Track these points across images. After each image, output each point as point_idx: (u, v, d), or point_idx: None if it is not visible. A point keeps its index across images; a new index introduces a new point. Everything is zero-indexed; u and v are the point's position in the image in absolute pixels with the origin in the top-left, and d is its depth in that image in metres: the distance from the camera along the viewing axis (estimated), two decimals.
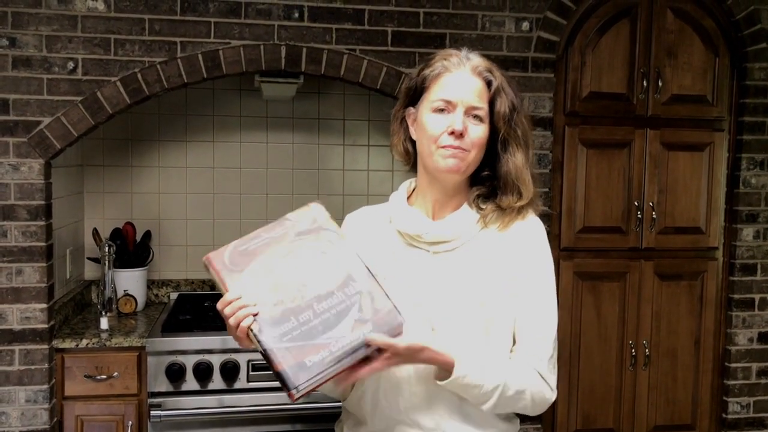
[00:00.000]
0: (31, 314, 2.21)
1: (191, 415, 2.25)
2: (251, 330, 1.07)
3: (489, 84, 1.27)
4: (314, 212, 1.20)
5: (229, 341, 2.28)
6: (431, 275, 1.27)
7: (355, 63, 2.37)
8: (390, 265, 1.27)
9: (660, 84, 2.57)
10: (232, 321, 1.09)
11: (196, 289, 2.94)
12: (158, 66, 2.26)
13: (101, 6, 2.22)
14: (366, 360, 1.10)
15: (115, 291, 2.59)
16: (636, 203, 2.60)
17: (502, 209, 1.29)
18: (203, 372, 2.27)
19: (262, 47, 2.31)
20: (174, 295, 2.89)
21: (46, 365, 2.21)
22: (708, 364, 2.72)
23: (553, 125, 2.51)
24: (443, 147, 1.23)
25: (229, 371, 2.29)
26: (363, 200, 2.93)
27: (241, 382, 2.31)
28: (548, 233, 1.54)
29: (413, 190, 1.39)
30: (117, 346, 2.27)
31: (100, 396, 2.26)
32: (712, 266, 2.70)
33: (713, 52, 2.62)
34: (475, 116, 1.24)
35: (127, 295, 2.63)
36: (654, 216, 2.61)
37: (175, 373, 2.26)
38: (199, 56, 2.28)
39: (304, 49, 2.33)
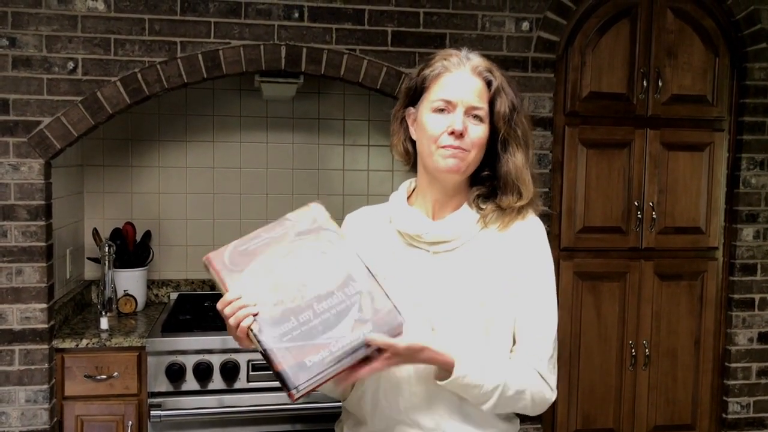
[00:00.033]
0: (31, 314, 2.21)
1: (191, 415, 2.25)
2: (251, 330, 1.07)
3: (489, 84, 1.27)
4: (314, 212, 1.20)
5: (229, 341, 2.28)
6: (431, 275, 1.27)
7: (355, 63, 2.37)
8: (390, 265, 1.27)
9: (660, 84, 2.57)
10: (232, 321, 1.09)
11: (196, 289, 2.94)
12: (158, 66, 2.26)
13: (101, 6, 2.22)
14: (366, 360, 1.10)
15: (115, 291, 2.59)
16: (636, 203, 2.60)
17: (502, 209, 1.29)
18: (203, 372, 2.27)
19: (262, 47, 2.31)
20: (174, 295, 2.89)
21: (46, 365, 2.21)
22: (708, 364, 2.72)
23: (553, 125, 2.52)
24: (443, 147, 1.23)
25: (229, 371, 2.29)
26: (363, 200, 2.93)
27: (241, 382, 2.31)
28: (548, 233, 1.54)
29: (413, 190, 1.39)
30: (117, 346, 2.27)
31: (100, 396, 2.26)
32: (712, 266, 2.70)
33: (713, 52, 2.62)
34: (475, 116, 1.24)
35: (127, 295, 2.63)
36: (654, 216, 2.61)
37: (175, 373, 2.26)
38: (199, 56, 2.28)
39: (304, 49, 2.33)
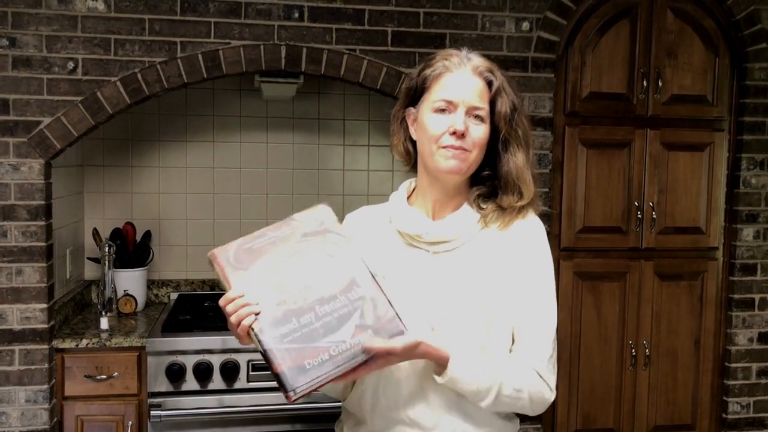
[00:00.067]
0: (31, 314, 2.21)
1: (191, 415, 2.25)
2: (252, 329, 1.07)
3: (490, 84, 1.27)
4: (322, 214, 1.20)
5: (229, 341, 2.28)
6: (431, 275, 1.27)
7: (355, 63, 2.37)
8: (390, 265, 1.27)
9: (660, 84, 2.57)
10: (233, 319, 1.09)
11: (196, 289, 2.94)
12: (158, 66, 2.26)
13: (101, 6, 2.22)
14: (365, 361, 1.10)
15: (115, 291, 2.59)
16: (636, 203, 2.60)
17: (503, 209, 1.29)
18: (203, 372, 2.27)
19: (262, 47, 2.31)
20: (174, 295, 2.89)
21: (46, 365, 2.21)
22: (708, 364, 2.72)
23: (553, 125, 2.51)
24: (444, 147, 1.23)
25: (229, 371, 2.29)
26: (363, 200, 2.93)
27: (241, 382, 2.31)
28: (548, 233, 1.54)
29: (413, 190, 1.39)
30: (117, 346, 2.27)
31: (100, 396, 2.26)
32: (712, 266, 2.70)
33: (713, 52, 2.62)
34: (476, 116, 1.25)
35: (127, 295, 2.63)
36: (654, 216, 2.61)
37: (175, 373, 2.25)
38: (199, 56, 2.28)
39: (304, 49, 2.33)
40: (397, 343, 1.10)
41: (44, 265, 2.22)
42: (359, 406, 1.30)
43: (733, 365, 2.71)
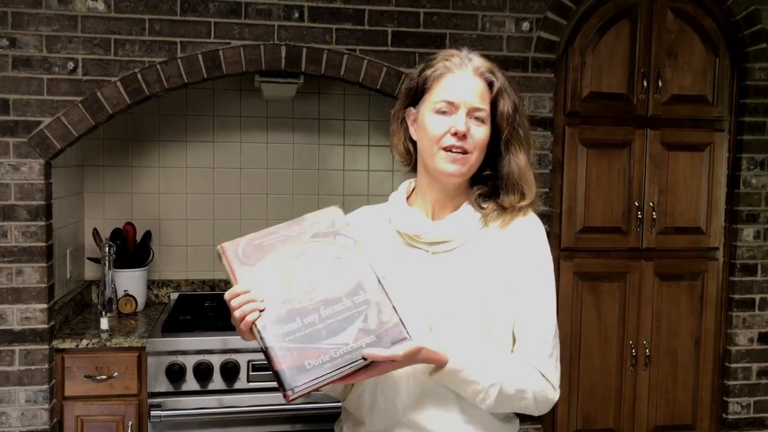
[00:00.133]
0: (31, 314, 2.21)
1: (191, 416, 2.25)
2: (255, 325, 1.07)
3: (490, 85, 1.27)
4: (333, 216, 1.20)
5: (230, 341, 2.28)
6: (430, 275, 1.27)
7: (355, 63, 2.37)
8: (389, 266, 1.27)
9: (660, 84, 2.57)
10: (237, 313, 1.09)
11: (197, 290, 2.94)
12: (158, 66, 2.26)
13: (101, 6, 2.22)
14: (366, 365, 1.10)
15: (115, 291, 2.59)
16: (636, 203, 2.60)
17: (504, 208, 1.29)
18: (203, 372, 2.27)
19: (262, 47, 2.31)
20: (174, 296, 2.89)
21: (46, 365, 2.21)
22: (708, 365, 2.72)
23: (553, 125, 2.51)
24: (445, 148, 1.23)
25: (229, 371, 2.29)
26: (363, 200, 2.92)
27: (241, 383, 2.31)
28: (548, 233, 1.54)
29: (413, 190, 1.39)
30: (117, 346, 2.27)
31: (100, 396, 2.26)
32: (712, 266, 2.70)
33: (713, 53, 2.62)
34: (477, 117, 1.24)
35: (127, 295, 2.63)
36: (654, 216, 2.61)
37: (175, 374, 2.25)
38: (199, 56, 2.28)
39: (304, 49, 2.33)
40: (398, 350, 1.09)
41: (44, 265, 2.22)
42: (358, 406, 1.30)
43: (734, 365, 2.71)
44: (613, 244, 2.61)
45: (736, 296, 2.70)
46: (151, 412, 2.22)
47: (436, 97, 1.25)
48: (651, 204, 2.61)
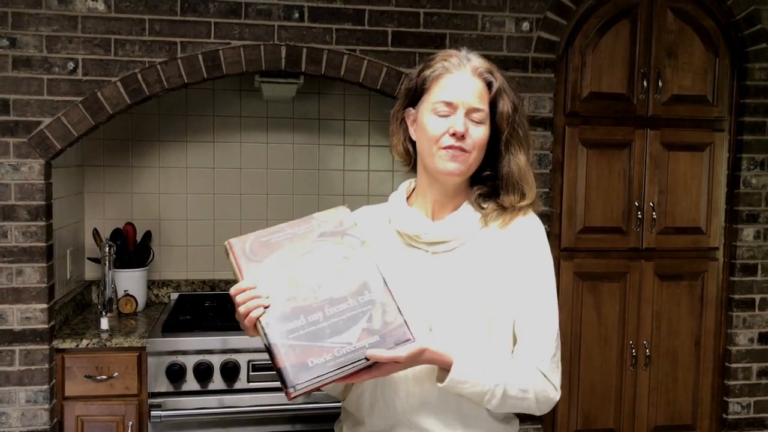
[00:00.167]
0: (32, 314, 2.21)
1: (191, 416, 2.26)
2: (259, 322, 1.07)
3: (489, 85, 1.27)
4: (341, 215, 1.20)
5: (230, 341, 2.28)
6: (430, 275, 1.27)
7: (356, 63, 2.37)
8: (389, 265, 1.27)
9: (660, 84, 2.57)
10: (242, 309, 1.09)
11: (197, 290, 2.94)
12: (158, 66, 2.26)
13: (101, 6, 2.22)
14: (369, 366, 1.10)
15: (115, 291, 2.59)
16: (636, 203, 2.60)
17: (504, 208, 1.29)
18: (203, 372, 2.27)
19: (262, 47, 2.31)
20: (174, 296, 2.89)
21: (47, 365, 2.21)
22: (708, 365, 2.72)
23: (553, 125, 2.51)
24: (444, 148, 1.23)
25: (230, 371, 2.29)
26: (363, 200, 2.92)
27: (241, 383, 2.31)
28: (548, 233, 1.54)
29: (413, 190, 1.39)
30: (117, 346, 2.27)
31: (101, 396, 2.26)
32: (712, 266, 2.70)
33: (713, 53, 2.62)
34: (476, 118, 1.24)
35: (127, 295, 2.63)
36: (654, 216, 2.61)
37: (176, 374, 2.26)
38: (199, 56, 2.28)
39: (304, 50, 2.33)
40: (402, 352, 1.09)
41: (44, 265, 2.22)
42: (358, 406, 1.30)
43: (734, 365, 2.71)
44: (613, 244, 2.61)
45: (736, 296, 2.70)
46: (152, 412, 2.22)
47: (434, 97, 1.25)
48: (651, 204, 2.61)
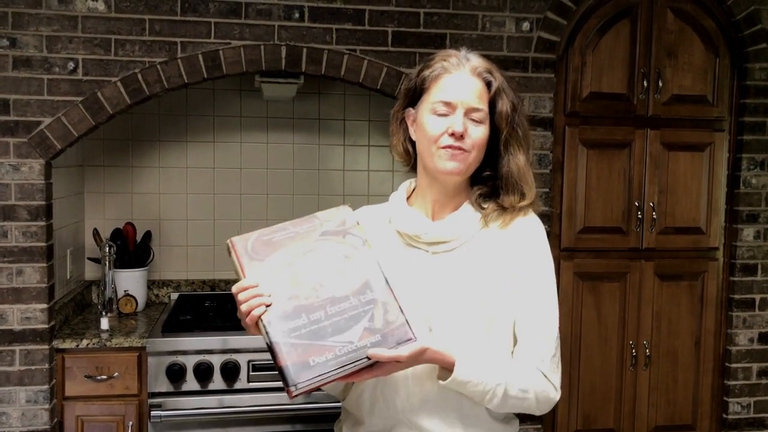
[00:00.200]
0: (32, 314, 2.21)
1: (192, 416, 2.26)
2: (261, 320, 1.08)
3: (488, 85, 1.27)
4: (344, 215, 1.20)
5: (230, 341, 2.28)
6: (430, 275, 1.27)
7: (356, 63, 2.37)
8: (389, 265, 1.27)
9: (660, 84, 2.57)
10: (244, 307, 1.09)
11: (197, 290, 2.94)
12: (158, 66, 2.26)
13: (101, 6, 2.22)
14: (370, 365, 1.10)
15: (115, 291, 2.60)
16: (636, 203, 2.60)
17: (504, 208, 1.29)
18: (203, 372, 2.27)
19: (262, 47, 2.31)
20: (174, 296, 2.89)
21: (47, 365, 2.21)
22: (708, 365, 2.72)
23: (553, 125, 2.51)
24: (444, 147, 1.23)
25: (230, 371, 2.29)
26: (363, 200, 2.91)
27: (241, 383, 2.31)
28: (548, 233, 1.54)
29: (413, 190, 1.39)
30: (117, 346, 2.27)
31: (101, 396, 2.26)
32: (712, 266, 2.70)
33: (713, 53, 2.62)
34: (475, 117, 1.24)
35: (127, 295, 2.63)
36: (654, 216, 2.61)
37: (176, 374, 2.26)
38: (200, 56, 2.28)
39: (305, 50, 2.34)
40: (403, 351, 1.10)
41: (44, 265, 2.22)
42: (358, 406, 1.30)
43: (734, 365, 2.71)
44: (613, 244, 2.61)
45: (736, 296, 2.70)
46: (152, 412, 2.22)
47: (433, 97, 1.25)
48: (651, 204, 2.61)
